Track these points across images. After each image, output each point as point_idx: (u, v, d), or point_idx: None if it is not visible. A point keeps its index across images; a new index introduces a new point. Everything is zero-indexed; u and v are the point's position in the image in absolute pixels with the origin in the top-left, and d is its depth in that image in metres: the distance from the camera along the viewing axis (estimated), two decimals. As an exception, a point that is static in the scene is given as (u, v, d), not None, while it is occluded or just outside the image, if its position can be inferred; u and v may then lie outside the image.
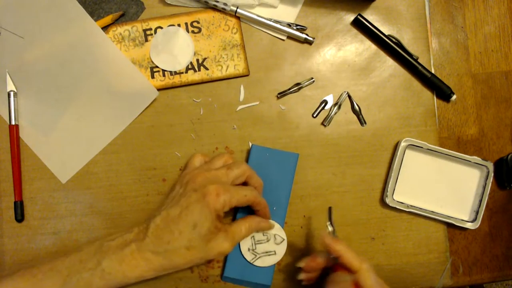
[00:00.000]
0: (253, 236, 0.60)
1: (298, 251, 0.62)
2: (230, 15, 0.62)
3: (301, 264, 0.54)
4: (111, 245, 0.52)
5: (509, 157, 0.63)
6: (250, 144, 0.63)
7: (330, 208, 0.60)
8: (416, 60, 0.63)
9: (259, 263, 0.60)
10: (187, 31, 0.62)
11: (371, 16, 0.64)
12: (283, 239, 0.60)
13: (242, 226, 0.55)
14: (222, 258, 0.62)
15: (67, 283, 0.51)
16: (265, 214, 0.58)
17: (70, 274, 0.51)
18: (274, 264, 0.60)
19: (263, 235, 0.60)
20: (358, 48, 0.64)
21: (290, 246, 0.62)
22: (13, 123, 0.61)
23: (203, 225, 0.51)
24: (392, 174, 0.62)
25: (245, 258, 0.60)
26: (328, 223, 0.57)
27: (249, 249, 0.60)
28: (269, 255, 0.60)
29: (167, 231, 0.51)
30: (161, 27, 0.62)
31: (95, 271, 0.51)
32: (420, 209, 0.62)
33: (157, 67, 0.62)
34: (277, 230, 0.60)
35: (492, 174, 0.62)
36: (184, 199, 0.52)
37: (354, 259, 0.50)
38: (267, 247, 0.60)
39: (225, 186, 0.52)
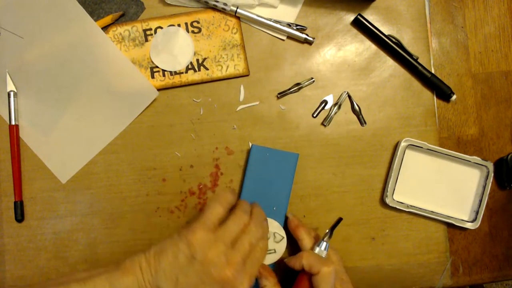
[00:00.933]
0: None
1: (298, 250, 0.62)
2: (230, 15, 0.62)
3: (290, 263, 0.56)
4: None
5: (509, 157, 0.63)
6: (250, 144, 0.63)
7: (340, 219, 0.57)
8: (416, 60, 0.63)
9: None
10: (187, 31, 0.62)
11: (371, 16, 0.64)
12: (283, 237, 0.60)
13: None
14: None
15: None
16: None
17: None
18: (274, 263, 0.60)
19: None
20: (358, 48, 0.64)
21: (290, 246, 0.62)
22: (13, 123, 0.61)
23: None
24: (392, 174, 0.62)
25: None
26: (328, 230, 0.56)
27: None
28: (269, 253, 0.60)
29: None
30: (161, 27, 0.62)
31: None
32: (420, 209, 0.62)
33: (157, 67, 0.62)
34: (277, 228, 0.60)
35: (492, 174, 0.62)
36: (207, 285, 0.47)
37: (316, 262, 0.52)
38: None
39: (242, 269, 0.49)
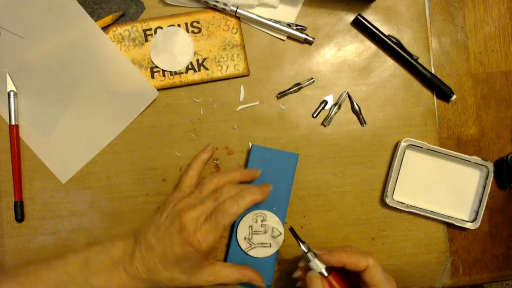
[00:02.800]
0: (251, 226, 0.60)
1: (298, 251, 0.62)
2: (230, 15, 0.62)
3: (296, 274, 0.55)
4: (98, 263, 0.54)
5: (509, 157, 0.63)
6: (250, 144, 0.63)
7: (291, 229, 0.54)
8: (416, 60, 0.63)
9: (253, 253, 0.60)
10: (187, 31, 0.62)
11: (371, 16, 0.64)
12: (280, 233, 0.60)
13: (230, 276, 0.56)
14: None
15: None
16: (251, 177, 0.60)
17: (58, 286, 0.52)
18: (274, 264, 0.60)
19: (261, 226, 0.60)
20: (358, 48, 0.64)
21: (290, 246, 0.62)
22: (13, 123, 0.61)
23: (186, 263, 0.53)
24: (392, 174, 0.62)
25: (240, 247, 0.60)
26: (301, 244, 0.52)
27: (245, 238, 0.60)
28: (264, 247, 0.60)
29: (151, 261, 0.53)
30: (161, 27, 0.62)
31: (84, 287, 0.52)
32: (420, 209, 0.62)
33: (157, 67, 0.62)
34: (276, 224, 0.60)
35: (492, 174, 0.62)
36: (168, 236, 0.53)
37: (359, 258, 0.49)
38: (263, 238, 0.60)
39: (211, 224, 0.52)
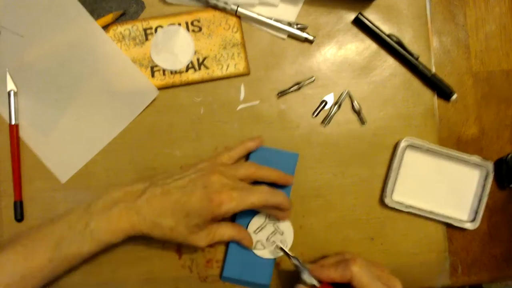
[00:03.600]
0: (264, 224, 0.61)
1: (298, 252, 0.62)
2: (231, 14, 0.62)
3: None
4: (99, 205, 0.54)
5: (508, 157, 0.63)
6: (250, 144, 0.63)
7: (282, 249, 0.57)
8: (416, 59, 0.63)
9: (259, 253, 0.60)
10: (188, 30, 0.62)
11: (371, 15, 0.64)
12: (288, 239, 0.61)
13: (226, 234, 0.57)
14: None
15: (58, 248, 0.52)
16: (283, 209, 0.57)
17: (60, 240, 0.52)
18: (273, 264, 0.61)
19: (273, 226, 0.61)
20: (359, 47, 0.64)
21: (291, 247, 0.62)
22: (13, 122, 0.61)
23: (195, 220, 0.52)
24: (392, 174, 0.62)
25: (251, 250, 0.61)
26: (292, 258, 0.55)
27: (255, 231, 0.61)
28: (269, 247, 0.61)
29: (161, 205, 0.52)
30: (161, 26, 0.62)
31: (84, 232, 0.52)
32: (419, 209, 0.62)
33: (157, 66, 0.62)
34: (287, 228, 0.61)
35: (492, 174, 0.62)
36: (190, 187, 0.53)
37: (343, 271, 0.51)
38: (271, 238, 0.61)
39: (233, 193, 0.52)
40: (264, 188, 0.55)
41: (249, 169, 0.57)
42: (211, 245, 0.59)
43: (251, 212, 0.60)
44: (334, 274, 0.51)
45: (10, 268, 0.51)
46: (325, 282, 0.52)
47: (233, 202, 0.52)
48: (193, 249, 0.62)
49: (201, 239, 0.55)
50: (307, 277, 0.53)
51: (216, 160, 0.59)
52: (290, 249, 0.59)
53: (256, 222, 0.61)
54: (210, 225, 0.55)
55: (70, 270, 0.55)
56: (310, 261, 0.61)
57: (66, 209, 0.56)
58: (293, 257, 0.55)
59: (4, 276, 0.51)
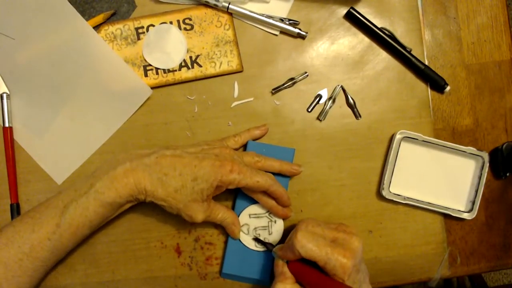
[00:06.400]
0: (256, 213, 0.61)
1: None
2: (222, 11, 0.62)
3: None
4: (104, 167, 0.54)
5: (504, 146, 0.63)
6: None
7: (256, 239, 0.61)
8: (409, 52, 0.63)
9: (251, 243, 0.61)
10: (180, 28, 0.62)
11: (363, 9, 0.64)
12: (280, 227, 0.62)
13: (220, 214, 0.58)
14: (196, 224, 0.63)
15: (65, 213, 0.52)
16: (283, 203, 0.59)
17: (66, 204, 0.52)
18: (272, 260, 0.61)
19: (267, 217, 0.61)
20: (351, 41, 0.64)
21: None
22: (6, 125, 0.60)
23: (202, 185, 0.52)
24: (388, 167, 0.62)
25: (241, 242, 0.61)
26: (268, 246, 0.58)
27: (249, 215, 0.61)
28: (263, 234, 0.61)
29: (170, 165, 0.52)
30: (153, 25, 0.62)
31: (89, 194, 0.52)
32: (417, 200, 0.62)
33: (150, 65, 0.62)
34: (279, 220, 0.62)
35: (488, 164, 0.62)
36: (203, 154, 0.54)
37: (291, 250, 0.51)
38: (264, 227, 0.61)
39: (243, 168, 0.54)
40: (270, 174, 0.56)
41: (253, 157, 0.58)
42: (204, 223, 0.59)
43: (254, 200, 0.60)
44: (288, 254, 0.52)
45: (18, 239, 0.51)
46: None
47: (241, 174, 0.53)
48: (188, 225, 0.62)
49: (199, 211, 0.54)
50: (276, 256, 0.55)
51: (222, 142, 0.60)
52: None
53: (255, 209, 0.61)
54: (210, 200, 0.56)
55: (79, 241, 0.55)
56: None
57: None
58: (267, 243, 0.59)
59: (14, 248, 0.51)
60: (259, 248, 0.60)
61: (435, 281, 0.64)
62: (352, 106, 0.63)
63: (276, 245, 0.57)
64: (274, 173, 0.59)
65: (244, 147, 0.62)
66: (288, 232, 0.57)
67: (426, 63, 0.64)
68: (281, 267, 0.53)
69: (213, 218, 0.57)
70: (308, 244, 0.49)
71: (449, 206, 0.63)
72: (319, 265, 0.49)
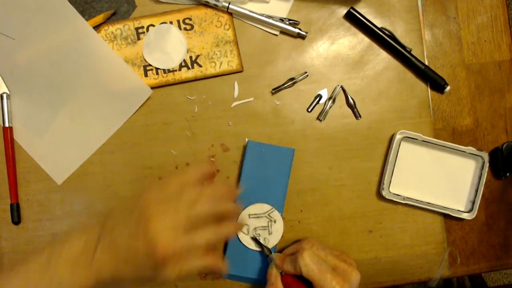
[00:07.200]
0: (256, 214, 0.61)
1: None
2: (222, 11, 0.62)
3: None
4: (60, 261, 0.45)
5: (503, 146, 0.63)
6: (246, 140, 0.62)
7: (254, 238, 0.61)
8: (409, 52, 0.63)
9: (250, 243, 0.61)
10: (180, 28, 0.62)
11: (363, 9, 0.64)
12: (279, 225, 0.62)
13: (196, 265, 0.46)
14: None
15: None
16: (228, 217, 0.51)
17: None
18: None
19: (267, 217, 0.61)
20: (351, 41, 0.64)
21: (288, 241, 0.62)
22: (6, 125, 0.60)
23: (146, 272, 0.45)
24: (388, 167, 0.62)
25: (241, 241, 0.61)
26: (265, 250, 0.59)
27: (249, 215, 0.61)
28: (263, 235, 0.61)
29: (114, 256, 0.45)
30: (153, 25, 0.62)
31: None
32: (417, 200, 0.62)
33: (150, 65, 0.62)
34: (278, 217, 0.62)
35: (488, 164, 0.62)
36: (133, 241, 0.45)
37: (293, 264, 0.52)
38: (264, 225, 0.61)
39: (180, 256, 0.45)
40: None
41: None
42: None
43: (255, 200, 0.61)
44: (288, 267, 0.53)
45: None
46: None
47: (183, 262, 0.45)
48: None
49: (169, 273, 0.45)
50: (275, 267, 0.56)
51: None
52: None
53: (255, 209, 0.61)
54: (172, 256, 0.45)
55: None
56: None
57: (26, 257, 0.47)
58: (265, 247, 0.59)
59: None
60: (259, 248, 0.60)
61: (435, 281, 0.64)
62: (352, 106, 0.63)
63: (273, 249, 0.58)
64: (271, 172, 0.61)
65: (244, 147, 0.62)
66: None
67: (426, 63, 0.64)
68: (274, 278, 0.54)
69: (192, 274, 0.47)
70: (312, 265, 0.51)
71: (449, 206, 0.63)
72: (315, 287, 0.51)
